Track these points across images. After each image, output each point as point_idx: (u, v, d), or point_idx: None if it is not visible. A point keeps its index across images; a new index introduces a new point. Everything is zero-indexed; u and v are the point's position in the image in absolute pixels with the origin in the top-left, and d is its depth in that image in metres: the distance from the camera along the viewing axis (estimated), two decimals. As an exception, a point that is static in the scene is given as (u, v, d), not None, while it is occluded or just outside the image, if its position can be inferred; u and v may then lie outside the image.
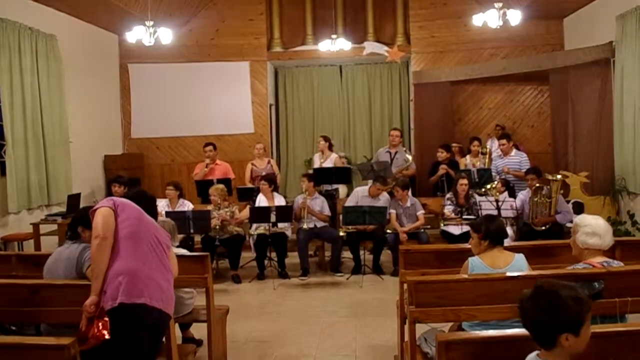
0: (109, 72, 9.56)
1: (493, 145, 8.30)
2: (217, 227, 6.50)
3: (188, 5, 9.48)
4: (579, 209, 6.95)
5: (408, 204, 6.78)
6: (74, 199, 7.06)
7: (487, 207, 6.14)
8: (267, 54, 10.01)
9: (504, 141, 7.42)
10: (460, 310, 2.92)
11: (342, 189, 8.59)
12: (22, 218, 6.85)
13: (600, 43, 7.54)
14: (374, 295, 5.89)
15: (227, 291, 6.18)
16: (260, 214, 6.46)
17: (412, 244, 6.25)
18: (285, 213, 6.51)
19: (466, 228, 6.00)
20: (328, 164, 7.77)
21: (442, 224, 6.68)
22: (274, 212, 6.38)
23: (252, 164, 7.95)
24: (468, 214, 6.46)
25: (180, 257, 3.26)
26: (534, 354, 1.97)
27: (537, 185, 6.28)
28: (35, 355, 2.34)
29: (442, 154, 7.76)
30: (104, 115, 9.29)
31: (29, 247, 6.64)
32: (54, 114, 7.46)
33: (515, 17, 6.88)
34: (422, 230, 6.73)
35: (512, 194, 6.76)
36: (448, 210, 6.64)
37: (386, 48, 9.62)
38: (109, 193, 6.83)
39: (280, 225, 6.64)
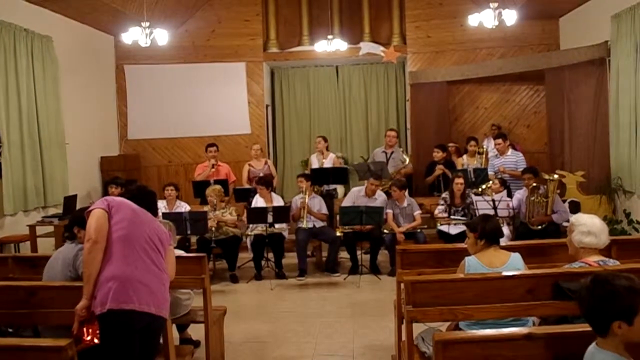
0: (105, 74, 9.53)
1: (489, 145, 8.31)
2: (213, 228, 6.49)
3: (184, 6, 9.46)
4: (575, 208, 6.97)
5: (405, 204, 6.78)
6: (70, 200, 7.03)
7: (483, 206, 6.15)
8: (263, 55, 10.00)
9: (499, 141, 7.43)
10: (457, 309, 2.93)
11: (340, 189, 8.60)
12: (19, 220, 6.83)
13: (595, 43, 7.56)
14: (371, 295, 5.89)
15: (225, 292, 6.17)
16: (257, 215, 6.45)
17: (409, 244, 6.26)
18: (282, 214, 6.50)
19: (462, 228, 6.02)
20: (328, 163, 7.77)
21: (438, 224, 6.69)
22: (271, 213, 6.37)
23: (250, 165, 7.95)
24: (464, 214, 6.48)
25: (177, 258, 3.27)
26: (593, 344, 2.00)
27: (534, 184, 6.31)
28: (33, 356, 2.34)
29: (438, 154, 7.78)
30: (100, 117, 9.25)
31: (25, 249, 6.61)
32: (50, 116, 7.43)
33: (510, 17, 6.90)
34: (419, 230, 6.74)
35: (509, 194, 6.78)
36: (438, 210, 6.66)
37: (382, 48, 9.61)
38: (105, 194, 6.80)
39: (277, 225, 6.63)
